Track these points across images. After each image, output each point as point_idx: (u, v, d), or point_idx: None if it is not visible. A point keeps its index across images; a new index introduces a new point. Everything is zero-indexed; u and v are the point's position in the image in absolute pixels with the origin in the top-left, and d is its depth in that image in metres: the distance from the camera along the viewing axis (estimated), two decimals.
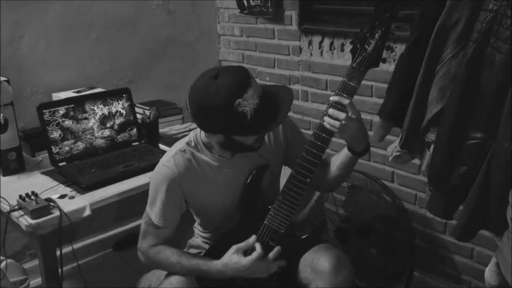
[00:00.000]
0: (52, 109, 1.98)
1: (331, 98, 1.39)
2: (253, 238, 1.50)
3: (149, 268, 1.69)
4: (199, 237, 1.73)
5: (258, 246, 1.47)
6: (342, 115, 1.35)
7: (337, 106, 1.37)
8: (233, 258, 1.47)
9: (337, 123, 1.36)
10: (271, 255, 1.48)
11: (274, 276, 1.52)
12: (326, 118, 1.39)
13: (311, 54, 2.46)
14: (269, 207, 1.53)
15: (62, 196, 1.73)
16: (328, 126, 1.39)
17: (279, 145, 1.61)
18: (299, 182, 1.48)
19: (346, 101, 1.36)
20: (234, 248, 1.48)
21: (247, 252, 1.49)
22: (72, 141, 2.03)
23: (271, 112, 1.39)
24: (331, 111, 1.38)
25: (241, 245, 1.49)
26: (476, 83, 1.25)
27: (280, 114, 1.40)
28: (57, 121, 1.99)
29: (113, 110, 2.15)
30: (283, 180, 1.57)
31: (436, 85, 1.35)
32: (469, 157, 1.29)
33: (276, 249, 1.49)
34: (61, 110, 2.01)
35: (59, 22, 2.33)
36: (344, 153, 1.49)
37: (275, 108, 1.40)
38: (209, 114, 1.37)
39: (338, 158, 1.53)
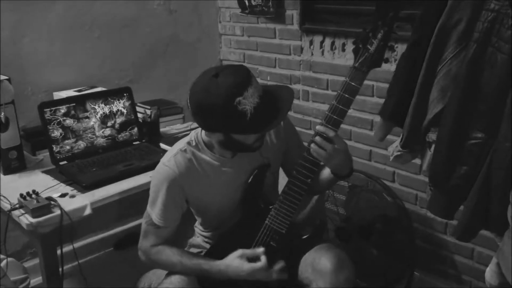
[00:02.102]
0: (53, 108, 1.98)
1: (317, 128, 1.40)
2: (261, 249, 1.49)
3: (150, 268, 1.69)
4: (199, 236, 1.73)
5: (263, 258, 1.46)
6: (328, 146, 1.38)
7: (323, 136, 1.39)
8: (235, 262, 1.47)
9: (323, 153, 1.39)
10: (275, 268, 1.48)
11: None
12: (312, 145, 1.40)
13: (312, 54, 2.46)
14: (270, 207, 1.54)
15: (63, 195, 1.73)
16: (315, 154, 1.41)
17: (279, 145, 1.61)
18: (300, 182, 1.48)
19: (331, 134, 1.38)
20: (239, 252, 1.48)
21: (251, 258, 1.48)
22: (73, 140, 2.03)
23: (271, 111, 1.39)
24: (318, 139, 1.39)
25: (248, 252, 1.48)
26: (477, 83, 1.25)
27: (280, 113, 1.40)
28: (58, 120, 1.99)
29: (114, 109, 2.15)
30: (283, 180, 1.57)
31: (437, 85, 1.35)
32: (470, 157, 1.29)
33: (281, 265, 1.49)
34: (62, 109, 2.01)
35: (61, 21, 2.33)
36: (328, 172, 1.53)
37: (275, 107, 1.40)
38: (209, 112, 1.37)
39: (324, 172, 1.56)
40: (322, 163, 1.46)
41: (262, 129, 1.42)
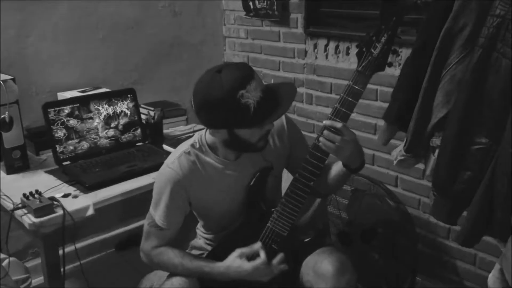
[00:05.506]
0: (57, 108, 1.99)
1: (324, 122, 1.39)
2: (258, 244, 1.49)
3: (151, 269, 1.69)
4: (201, 238, 1.73)
5: (262, 253, 1.46)
6: (337, 138, 1.37)
7: (331, 129, 1.38)
8: (236, 262, 1.47)
9: (332, 145, 1.38)
10: (274, 262, 1.47)
11: (276, 279, 1.51)
12: (321, 139, 1.40)
13: (316, 57, 2.46)
14: (272, 209, 1.53)
15: (65, 195, 1.73)
16: (323, 147, 1.40)
17: (283, 148, 1.61)
18: (302, 185, 1.48)
19: (339, 125, 1.37)
20: (238, 251, 1.48)
21: (250, 256, 1.48)
22: (77, 140, 2.03)
23: (274, 104, 1.39)
24: (326, 133, 1.38)
25: (246, 250, 1.48)
26: (482, 88, 1.24)
27: (283, 105, 1.41)
28: (62, 120, 2.00)
29: (118, 110, 2.15)
30: (286, 184, 1.57)
31: (442, 89, 1.35)
32: (473, 162, 1.28)
33: (280, 256, 1.49)
34: (66, 110, 2.01)
35: (66, 22, 2.34)
36: (339, 166, 1.51)
37: (278, 99, 1.40)
38: (212, 107, 1.37)
39: (335, 168, 1.54)
40: (323, 166, 1.46)
41: (265, 121, 1.41)
